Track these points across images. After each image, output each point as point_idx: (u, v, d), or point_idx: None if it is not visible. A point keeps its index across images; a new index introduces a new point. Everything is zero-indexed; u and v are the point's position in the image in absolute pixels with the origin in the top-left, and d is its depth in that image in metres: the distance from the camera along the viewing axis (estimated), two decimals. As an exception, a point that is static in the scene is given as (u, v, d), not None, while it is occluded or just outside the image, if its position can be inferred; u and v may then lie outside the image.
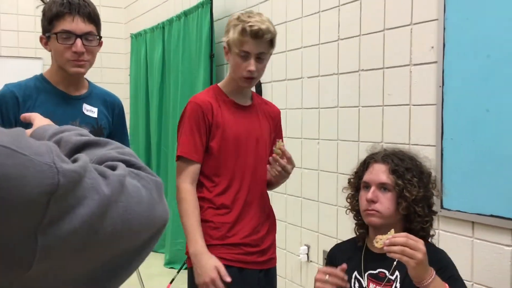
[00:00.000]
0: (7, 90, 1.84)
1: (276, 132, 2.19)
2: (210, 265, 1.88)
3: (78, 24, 1.82)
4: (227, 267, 1.95)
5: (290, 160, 1.98)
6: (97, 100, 2.02)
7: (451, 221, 2.34)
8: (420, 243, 1.41)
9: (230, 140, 1.98)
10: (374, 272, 1.64)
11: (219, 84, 2.10)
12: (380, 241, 1.44)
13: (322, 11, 3.18)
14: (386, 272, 1.62)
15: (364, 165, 1.74)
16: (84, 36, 1.84)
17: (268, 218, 2.11)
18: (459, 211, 2.29)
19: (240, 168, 2.00)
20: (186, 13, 4.84)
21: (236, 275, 1.96)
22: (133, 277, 4.06)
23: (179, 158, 2.00)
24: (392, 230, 1.47)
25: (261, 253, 2.05)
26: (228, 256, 1.97)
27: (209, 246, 1.96)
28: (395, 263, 1.55)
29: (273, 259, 2.13)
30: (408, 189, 1.61)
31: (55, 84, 1.92)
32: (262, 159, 2.06)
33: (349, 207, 1.79)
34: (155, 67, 5.49)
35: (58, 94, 1.92)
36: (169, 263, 4.89)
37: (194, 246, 1.92)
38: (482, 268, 2.22)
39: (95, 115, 1.98)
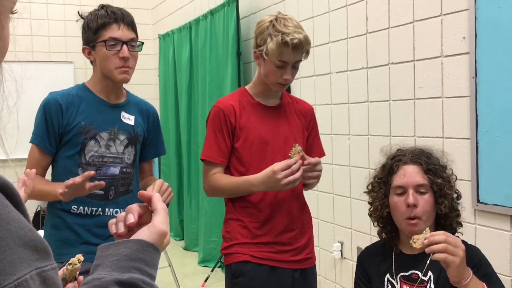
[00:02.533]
0: (52, 98, 1.99)
1: (310, 129, 2.18)
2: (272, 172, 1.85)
3: (123, 32, 1.97)
4: (258, 265, 1.95)
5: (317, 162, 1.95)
6: (134, 108, 2.13)
7: (488, 215, 2.28)
8: (458, 241, 1.38)
9: (255, 141, 1.99)
10: (407, 274, 1.61)
11: (246, 87, 2.12)
12: (418, 241, 1.40)
13: (350, 4, 3.14)
14: (419, 273, 1.58)
15: (391, 169, 1.65)
16: (129, 42, 1.98)
17: (302, 217, 2.10)
18: (496, 205, 2.23)
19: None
20: (212, 12, 4.85)
21: (268, 273, 1.96)
22: (169, 276, 4.10)
23: (203, 160, 2.04)
24: (428, 229, 1.43)
25: (295, 252, 2.04)
26: (259, 254, 1.97)
27: (239, 245, 1.97)
28: (428, 262, 1.51)
29: (309, 259, 2.10)
30: (447, 186, 1.57)
31: (96, 93, 2.05)
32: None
33: (373, 214, 1.70)
34: (183, 67, 5.53)
35: (99, 102, 2.04)
36: (203, 262, 4.92)
37: (253, 185, 1.91)
38: (522, 262, 2.16)
39: (132, 122, 2.09)
